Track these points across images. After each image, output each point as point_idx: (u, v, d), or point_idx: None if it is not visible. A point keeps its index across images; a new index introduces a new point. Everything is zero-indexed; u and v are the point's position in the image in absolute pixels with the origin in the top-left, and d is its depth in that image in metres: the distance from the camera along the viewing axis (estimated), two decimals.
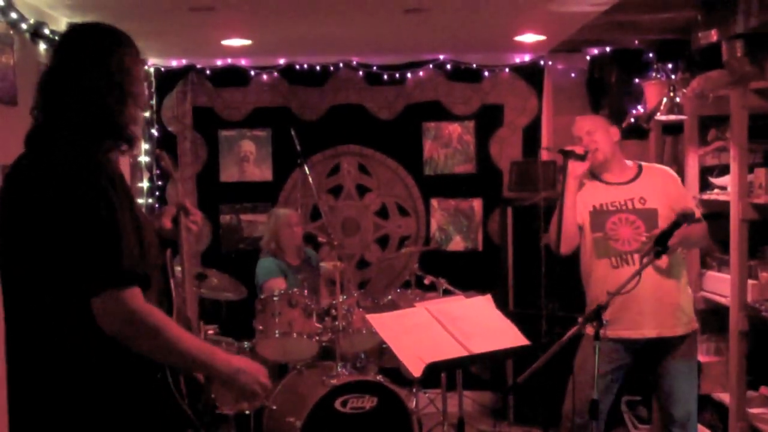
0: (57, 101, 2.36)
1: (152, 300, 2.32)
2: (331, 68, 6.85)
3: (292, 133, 5.84)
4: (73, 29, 2.49)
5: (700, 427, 5.00)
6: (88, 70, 2.36)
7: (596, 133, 4.23)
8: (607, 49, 6.35)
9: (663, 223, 4.03)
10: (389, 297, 5.43)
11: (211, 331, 4.77)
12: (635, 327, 4.10)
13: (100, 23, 2.49)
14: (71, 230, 2.20)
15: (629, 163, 4.34)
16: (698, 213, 4.14)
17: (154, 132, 6.83)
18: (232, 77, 6.88)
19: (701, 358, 5.12)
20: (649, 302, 4.06)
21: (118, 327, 2.21)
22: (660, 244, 3.32)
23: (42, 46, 4.91)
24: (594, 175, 4.31)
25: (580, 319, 3.46)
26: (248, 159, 6.96)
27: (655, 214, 4.14)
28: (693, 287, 5.09)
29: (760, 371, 4.73)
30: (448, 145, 6.91)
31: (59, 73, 2.39)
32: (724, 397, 4.80)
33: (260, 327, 5.01)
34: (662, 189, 4.19)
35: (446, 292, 5.26)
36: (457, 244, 6.95)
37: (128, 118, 2.42)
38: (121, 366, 2.30)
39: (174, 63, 6.84)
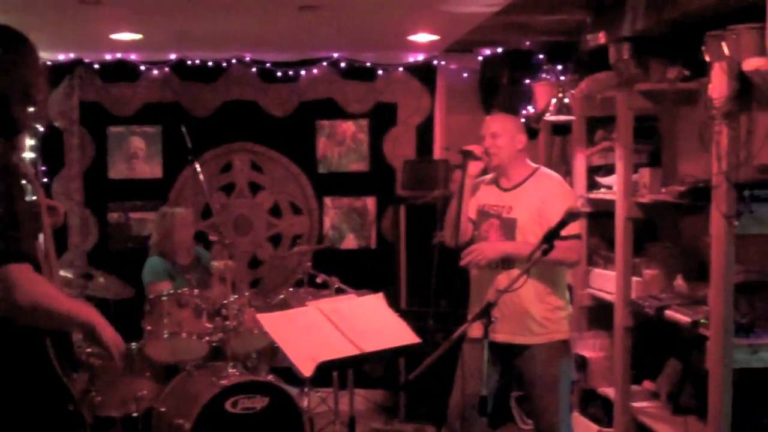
0: None
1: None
2: (224, 64, 6.77)
3: (183, 130, 5.74)
4: None
5: (585, 420, 5.12)
6: None
7: (501, 137, 4.22)
8: (499, 49, 6.43)
9: (522, 235, 4.09)
10: (281, 296, 5.40)
11: None
12: (491, 330, 4.13)
13: (7, 27, 2.61)
14: None
15: (530, 167, 4.32)
16: (574, 230, 4.03)
17: (40, 128, 6.62)
18: (122, 72, 6.73)
19: (587, 353, 5.24)
20: (503, 308, 4.04)
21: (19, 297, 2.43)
22: (547, 242, 3.36)
23: None
24: (494, 176, 4.35)
25: (469, 317, 3.49)
26: (138, 156, 6.82)
27: (513, 224, 4.17)
28: (579, 284, 5.20)
29: (644, 366, 4.86)
30: (341, 143, 6.90)
31: None
32: (610, 392, 4.91)
33: (149, 327, 4.91)
34: (537, 200, 4.15)
35: (339, 291, 5.25)
36: (350, 242, 6.95)
37: (25, 119, 2.61)
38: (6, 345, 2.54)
39: (61, 57, 6.64)
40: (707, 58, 3.78)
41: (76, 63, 6.68)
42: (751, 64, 3.47)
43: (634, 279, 4.72)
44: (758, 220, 3.59)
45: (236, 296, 5.00)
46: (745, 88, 3.55)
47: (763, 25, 3.40)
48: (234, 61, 6.74)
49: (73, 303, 2.67)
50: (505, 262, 4.09)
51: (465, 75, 6.77)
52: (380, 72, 6.82)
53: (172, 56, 6.70)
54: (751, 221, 3.57)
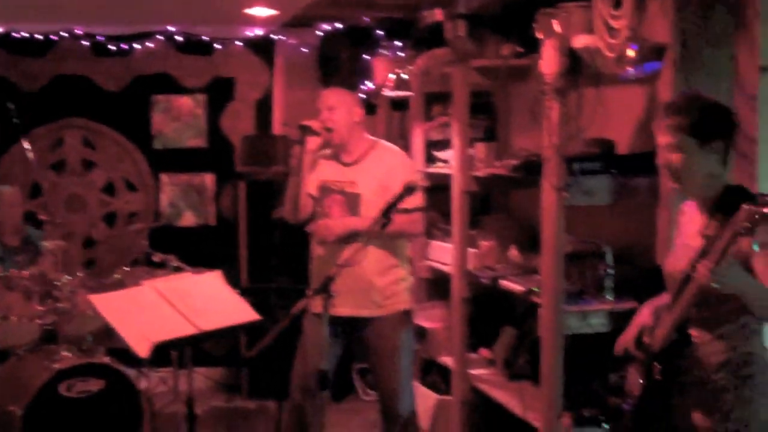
0: None
1: None
2: (54, 37, 6.49)
3: (10, 106, 5.49)
4: None
5: (425, 389, 5.22)
6: None
7: (337, 110, 4.21)
8: (338, 25, 6.42)
9: (366, 210, 4.10)
10: (117, 276, 5.25)
11: None
12: (332, 305, 4.15)
13: None
14: None
15: (369, 140, 4.34)
16: (417, 202, 4.16)
17: None
18: None
19: (427, 324, 5.33)
20: (347, 281, 4.10)
21: None
22: (386, 215, 3.40)
23: None
24: (333, 150, 4.34)
25: (309, 292, 3.49)
26: None
27: (357, 199, 4.19)
28: (418, 257, 5.28)
29: (481, 335, 4.98)
30: (178, 119, 6.75)
31: None
32: (448, 360, 5.01)
33: None
34: (380, 174, 4.18)
35: (177, 269, 5.17)
36: (188, 219, 6.82)
37: None
38: None
39: None
40: (539, 36, 3.88)
41: None
42: (580, 41, 3.58)
43: (471, 251, 4.83)
44: (587, 192, 3.71)
45: (69, 277, 4.86)
46: (574, 64, 3.66)
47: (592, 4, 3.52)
48: (64, 33, 6.47)
49: None
50: (351, 238, 4.08)
51: (304, 50, 6.73)
52: (218, 46, 6.69)
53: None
54: (580, 193, 3.69)
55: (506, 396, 4.37)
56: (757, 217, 2.28)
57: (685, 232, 2.85)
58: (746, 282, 2.52)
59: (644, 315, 2.92)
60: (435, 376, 5.36)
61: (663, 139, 2.76)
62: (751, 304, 2.59)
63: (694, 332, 2.72)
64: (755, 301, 2.58)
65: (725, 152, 2.73)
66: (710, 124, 2.70)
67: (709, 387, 2.75)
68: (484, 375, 4.78)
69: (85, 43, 6.52)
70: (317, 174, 4.33)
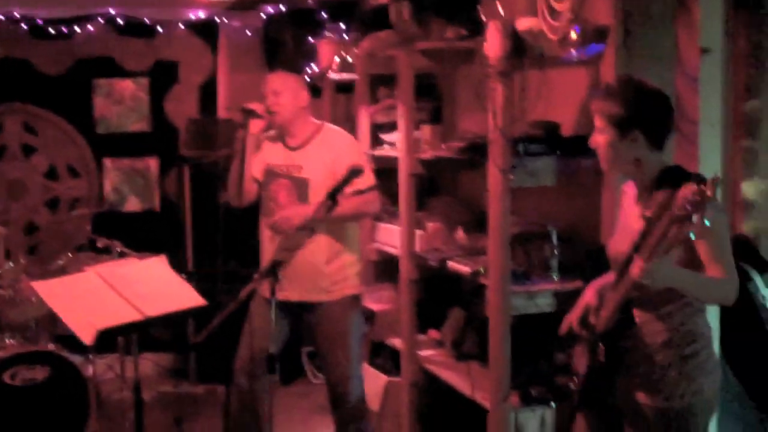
0: None
1: None
2: None
3: None
4: None
5: (374, 371, 5.23)
6: None
7: (282, 94, 4.19)
8: (282, 8, 6.37)
9: (314, 195, 4.06)
10: (60, 262, 5.19)
11: None
12: (282, 290, 4.16)
13: None
14: None
15: (315, 124, 4.32)
16: (370, 181, 4.19)
17: None
18: None
19: (375, 306, 5.35)
20: (294, 268, 4.10)
21: None
22: (332, 198, 3.39)
23: None
24: (278, 134, 4.32)
25: (256, 276, 3.47)
26: None
27: (305, 184, 4.17)
28: (366, 239, 5.29)
29: (429, 316, 5.00)
30: (120, 103, 6.66)
31: None
32: (397, 342, 5.03)
33: None
34: (328, 158, 4.17)
35: (121, 255, 5.10)
36: (133, 204, 6.75)
37: None
38: None
39: None
40: (483, 18, 3.89)
41: None
42: (523, 23, 3.60)
43: (418, 233, 4.84)
44: (532, 174, 3.74)
45: (11, 264, 4.80)
46: (518, 47, 3.67)
47: None
48: (2, 17, 6.33)
49: None
50: (307, 225, 4.05)
51: (248, 33, 6.68)
52: (160, 29, 6.61)
53: None
54: (525, 175, 3.72)
55: (455, 377, 4.40)
56: (691, 203, 2.30)
57: (627, 213, 2.89)
58: (679, 279, 2.58)
59: (589, 295, 2.95)
60: (384, 358, 5.38)
61: (595, 121, 2.81)
62: (687, 294, 2.65)
63: (636, 312, 2.76)
64: (689, 293, 2.64)
65: (654, 139, 2.74)
66: (632, 115, 2.72)
67: (652, 366, 2.79)
68: (432, 356, 4.80)
69: (24, 26, 6.39)
70: (262, 157, 4.31)
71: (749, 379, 3.40)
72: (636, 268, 2.49)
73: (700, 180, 2.31)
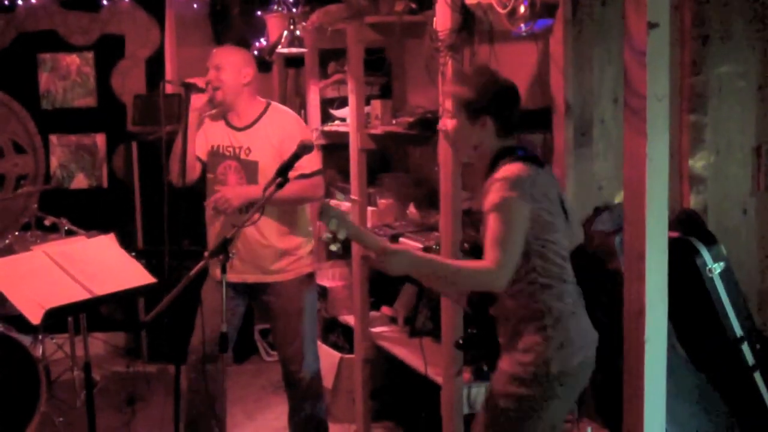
0: None
1: None
2: None
3: None
4: None
5: (327, 348, 5.24)
6: None
7: (225, 70, 4.10)
8: None
9: (264, 177, 3.98)
10: (6, 241, 5.11)
11: None
12: (236, 272, 4.14)
13: None
14: None
15: (261, 103, 4.24)
16: (316, 165, 4.17)
17: None
18: None
19: (328, 283, 5.35)
20: (245, 248, 4.11)
21: None
22: (281, 175, 3.36)
23: None
24: (222, 113, 4.25)
25: (206, 254, 3.44)
26: None
27: (255, 166, 4.12)
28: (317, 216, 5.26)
29: (382, 293, 5.01)
30: (66, 78, 6.55)
31: None
32: (350, 319, 5.04)
33: None
34: (276, 140, 4.11)
35: (69, 233, 5.05)
36: (80, 181, 6.65)
37: None
38: None
39: None
40: None
41: None
42: None
43: (370, 209, 4.84)
44: None
45: None
46: (468, 21, 3.67)
47: None
48: None
49: None
50: (249, 207, 4.00)
51: (195, 6, 6.58)
52: (105, 2, 6.49)
53: None
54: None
55: (408, 353, 4.42)
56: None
57: None
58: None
59: None
60: (337, 335, 5.38)
61: (446, 104, 3.01)
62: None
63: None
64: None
65: (503, 126, 2.96)
66: (482, 100, 2.91)
67: (509, 339, 2.97)
68: (386, 333, 4.82)
69: None
70: (207, 138, 4.23)
71: (695, 349, 3.48)
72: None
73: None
